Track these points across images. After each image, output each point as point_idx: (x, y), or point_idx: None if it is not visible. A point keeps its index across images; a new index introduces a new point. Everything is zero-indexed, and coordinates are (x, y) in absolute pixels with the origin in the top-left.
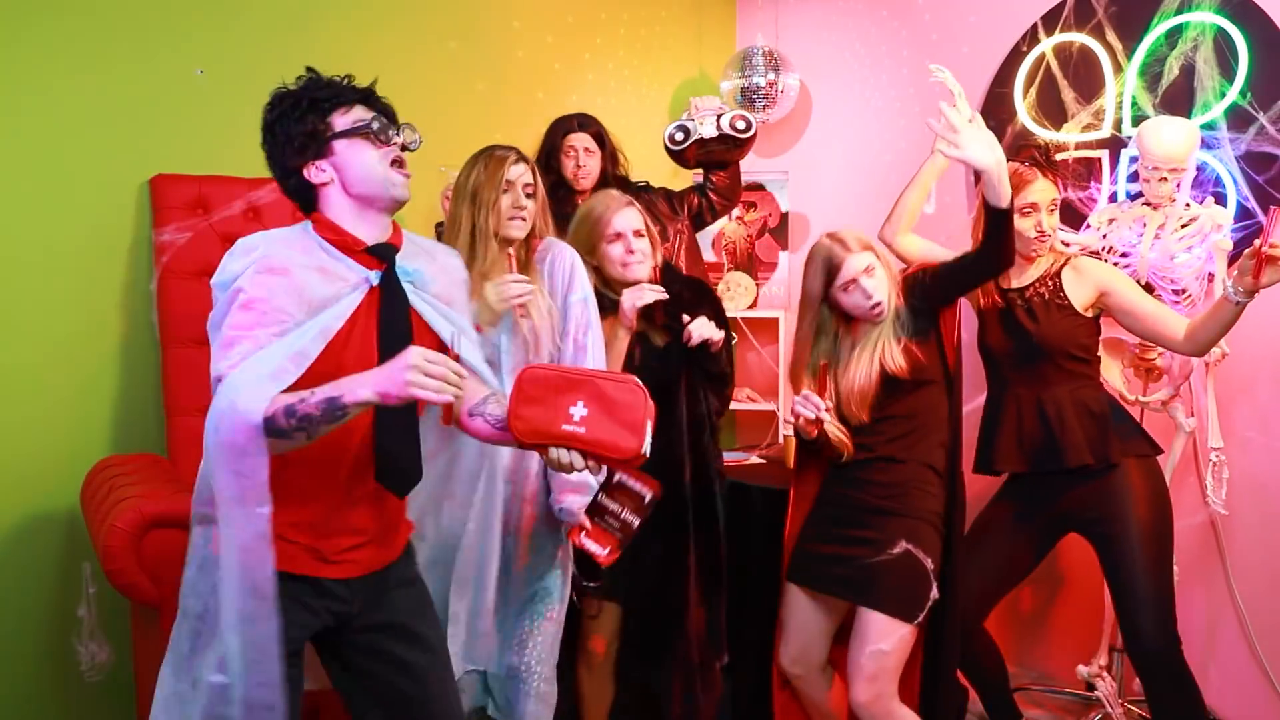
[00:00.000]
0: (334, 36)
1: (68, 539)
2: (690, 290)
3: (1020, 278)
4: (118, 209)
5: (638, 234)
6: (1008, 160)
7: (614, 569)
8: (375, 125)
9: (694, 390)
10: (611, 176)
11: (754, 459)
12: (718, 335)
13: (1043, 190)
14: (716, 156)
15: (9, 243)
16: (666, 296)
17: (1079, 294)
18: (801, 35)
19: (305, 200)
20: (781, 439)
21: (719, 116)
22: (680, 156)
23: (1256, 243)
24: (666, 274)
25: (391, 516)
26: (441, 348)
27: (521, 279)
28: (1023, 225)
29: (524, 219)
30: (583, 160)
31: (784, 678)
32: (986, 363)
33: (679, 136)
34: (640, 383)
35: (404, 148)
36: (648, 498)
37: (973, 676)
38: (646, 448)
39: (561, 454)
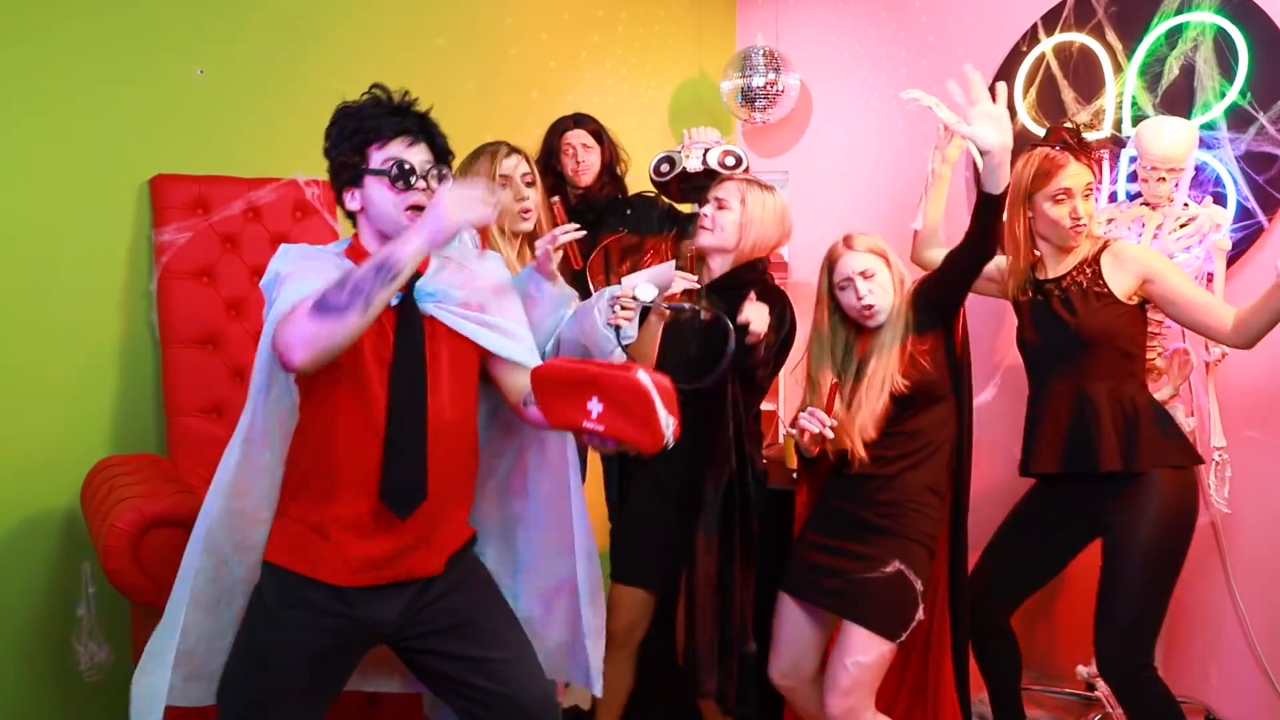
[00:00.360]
0: (330, 36)
1: (68, 539)
2: (761, 289)
3: (1057, 267)
4: (118, 209)
5: (720, 204)
6: (1039, 145)
7: (644, 557)
8: (394, 172)
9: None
10: (611, 173)
11: None
12: (761, 327)
13: (1076, 175)
14: (704, 192)
15: (9, 242)
16: (697, 285)
17: (1119, 281)
18: (801, 35)
19: (351, 218)
20: (781, 439)
21: (706, 151)
22: (665, 188)
23: None
24: (748, 270)
25: (434, 529)
26: (474, 353)
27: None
28: (1057, 213)
29: (529, 209)
30: (582, 156)
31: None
32: (1026, 361)
33: (664, 169)
34: (642, 372)
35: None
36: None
37: (988, 671)
38: (669, 436)
39: (594, 440)
